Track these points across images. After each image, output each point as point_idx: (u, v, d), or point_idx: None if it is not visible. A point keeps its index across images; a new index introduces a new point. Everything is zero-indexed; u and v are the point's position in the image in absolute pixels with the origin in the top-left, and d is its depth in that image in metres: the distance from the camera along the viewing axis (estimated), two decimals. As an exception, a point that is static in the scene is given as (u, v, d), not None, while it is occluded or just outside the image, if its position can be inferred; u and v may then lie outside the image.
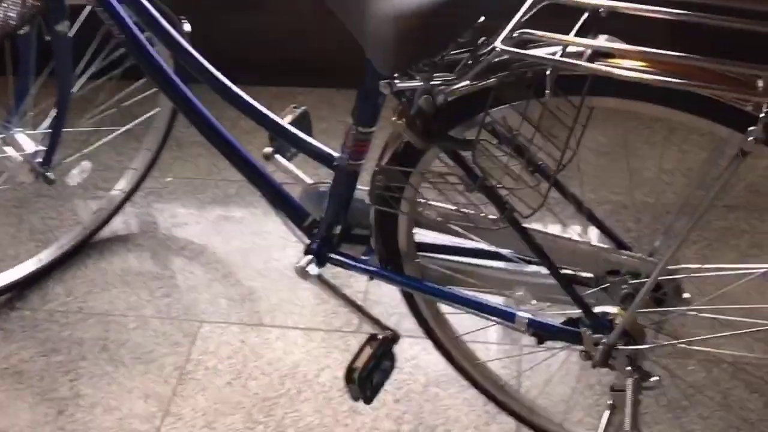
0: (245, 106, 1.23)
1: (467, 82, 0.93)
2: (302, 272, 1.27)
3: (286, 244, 1.78)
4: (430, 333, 1.34)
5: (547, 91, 0.82)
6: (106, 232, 1.86)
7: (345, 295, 1.29)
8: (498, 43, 0.82)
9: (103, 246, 1.84)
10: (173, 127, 1.80)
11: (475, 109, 0.96)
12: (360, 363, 1.20)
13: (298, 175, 1.36)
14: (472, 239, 1.16)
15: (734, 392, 1.46)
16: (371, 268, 1.25)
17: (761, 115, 0.81)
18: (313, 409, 1.49)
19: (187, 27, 1.43)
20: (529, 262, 1.18)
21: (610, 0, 0.81)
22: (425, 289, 1.21)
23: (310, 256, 1.28)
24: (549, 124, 0.91)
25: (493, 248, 1.19)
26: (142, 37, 1.23)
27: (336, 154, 1.18)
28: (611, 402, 1.15)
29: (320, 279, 1.28)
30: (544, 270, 1.15)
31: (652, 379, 1.07)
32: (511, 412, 1.40)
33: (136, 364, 1.57)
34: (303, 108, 1.36)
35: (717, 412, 1.43)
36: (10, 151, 1.46)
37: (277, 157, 1.36)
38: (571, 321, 1.11)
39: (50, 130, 1.53)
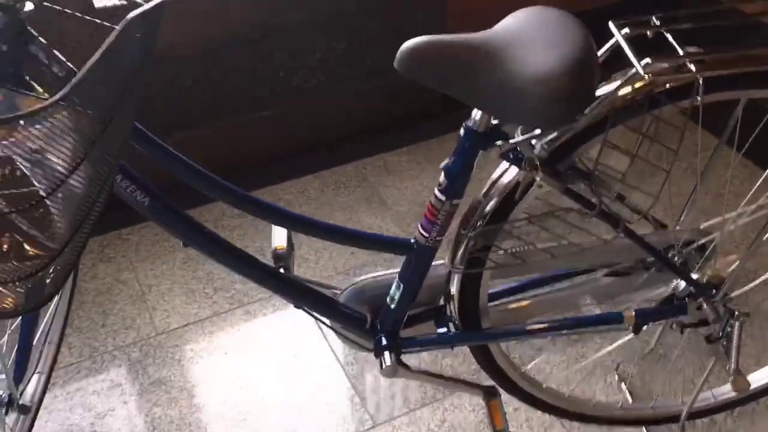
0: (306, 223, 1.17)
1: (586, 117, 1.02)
2: (391, 371, 1.23)
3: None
4: (509, 384, 1.37)
5: (699, 97, 0.95)
6: None
7: (437, 373, 1.27)
8: (640, 69, 0.93)
9: None
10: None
11: (587, 139, 1.05)
12: (499, 422, 1.20)
13: (322, 283, 1.31)
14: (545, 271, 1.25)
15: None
16: (452, 337, 1.26)
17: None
18: None
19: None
20: (585, 272, 1.30)
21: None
22: (520, 332, 1.26)
23: (387, 353, 1.24)
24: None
25: (557, 272, 1.28)
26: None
27: (411, 238, 1.17)
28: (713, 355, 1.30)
29: (410, 369, 1.26)
30: (597, 275, 1.28)
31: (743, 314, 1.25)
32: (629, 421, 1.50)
33: None
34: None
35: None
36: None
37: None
38: (668, 299, 1.25)
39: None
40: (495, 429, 1.20)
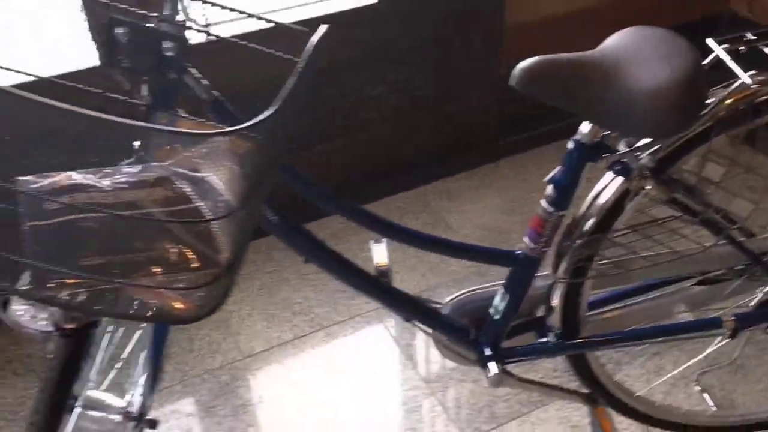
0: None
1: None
2: (497, 381, 1.28)
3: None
4: (602, 392, 1.41)
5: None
6: None
7: (541, 381, 1.31)
8: (747, 79, 1.00)
9: None
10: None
11: (690, 150, 1.11)
12: (608, 427, 1.24)
13: (422, 298, 1.36)
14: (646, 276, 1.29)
15: None
16: (554, 346, 1.31)
17: None
18: None
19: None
20: (675, 282, 1.35)
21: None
22: (621, 339, 1.30)
23: (493, 363, 1.29)
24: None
25: (649, 282, 1.33)
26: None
27: (516, 250, 1.23)
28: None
29: (516, 378, 1.30)
30: (687, 284, 1.33)
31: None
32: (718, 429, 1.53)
33: None
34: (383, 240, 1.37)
35: None
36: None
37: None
38: (764, 303, 1.30)
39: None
40: (604, 433, 1.24)
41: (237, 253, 0.89)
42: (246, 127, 0.77)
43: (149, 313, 0.87)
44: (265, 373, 1.78)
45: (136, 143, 0.93)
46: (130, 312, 0.87)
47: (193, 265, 0.90)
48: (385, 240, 1.33)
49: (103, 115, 0.73)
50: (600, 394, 1.41)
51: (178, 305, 0.88)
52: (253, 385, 1.75)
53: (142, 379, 1.24)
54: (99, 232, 0.88)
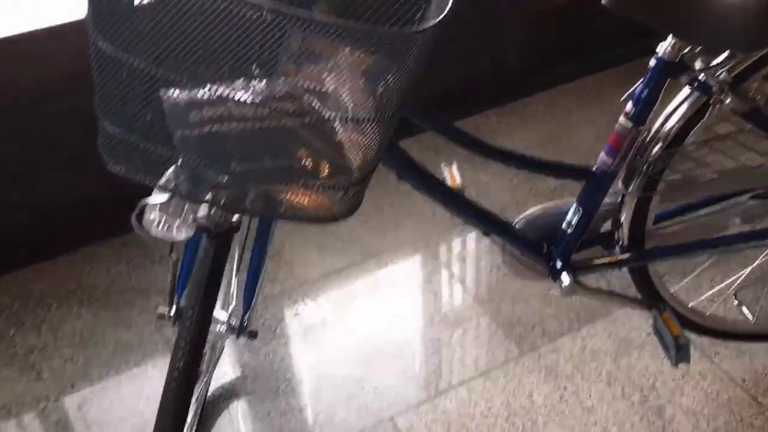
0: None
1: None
2: (570, 290, 1.37)
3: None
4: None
5: None
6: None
7: (610, 291, 1.40)
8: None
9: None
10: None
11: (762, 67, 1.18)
12: (676, 330, 1.34)
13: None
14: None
15: None
16: (623, 259, 1.40)
17: None
18: (559, 428, 1.55)
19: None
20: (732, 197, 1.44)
21: None
22: (685, 249, 1.39)
23: (565, 274, 1.37)
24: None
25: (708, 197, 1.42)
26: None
27: (592, 165, 1.30)
28: None
29: (587, 288, 1.39)
30: (743, 198, 1.42)
31: None
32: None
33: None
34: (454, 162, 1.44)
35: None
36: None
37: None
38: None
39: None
40: (673, 336, 1.34)
41: (369, 162, 0.96)
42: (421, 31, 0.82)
43: (294, 213, 0.94)
44: (324, 298, 1.85)
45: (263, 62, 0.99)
46: (279, 212, 0.93)
47: (327, 173, 0.96)
48: (455, 162, 1.41)
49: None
50: (654, 301, 1.51)
51: (319, 207, 0.95)
52: (314, 309, 1.83)
53: (241, 292, 1.31)
54: (240, 142, 0.93)
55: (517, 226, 1.40)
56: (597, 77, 2.54)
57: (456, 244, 2.01)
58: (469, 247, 2.00)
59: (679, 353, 1.34)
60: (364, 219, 2.05)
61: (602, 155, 1.28)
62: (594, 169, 1.30)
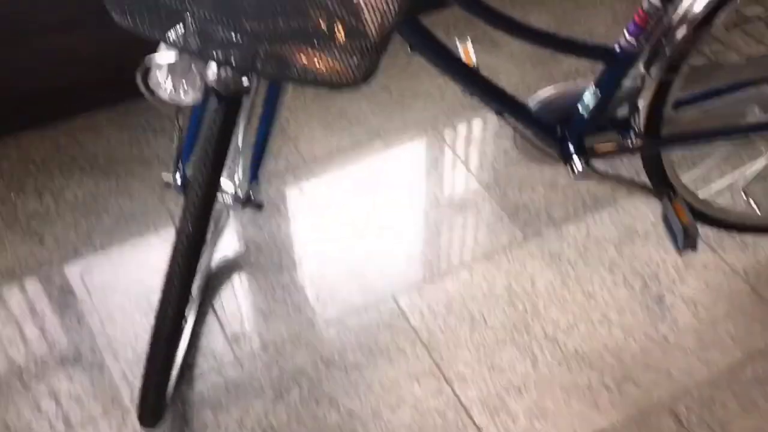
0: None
1: None
2: (583, 174, 1.34)
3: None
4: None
5: None
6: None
7: (619, 175, 1.38)
8: None
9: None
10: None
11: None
12: (686, 218, 1.33)
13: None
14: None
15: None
16: (639, 145, 1.37)
17: None
18: (559, 312, 1.57)
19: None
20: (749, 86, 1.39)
21: None
22: (702, 136, 1.36)
23: (577, 157, 1.35)
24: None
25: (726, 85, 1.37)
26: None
27: (614, 44, 1.25)
28: None
29: (599, 172, 1.37)
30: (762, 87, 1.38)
31: None
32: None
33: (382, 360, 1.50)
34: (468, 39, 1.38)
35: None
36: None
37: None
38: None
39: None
40: (683, 224, 1.33)
41: (387, 27, 0.91)
42: None
43: (306, 77, 0.90)
44: (329, 176, 1.83)
45: None
46: (291, 75, 0.89)
47: (343, 36, 0.92)
48: (469, 39, 1.35)
49: None
50: (667, 191, 1.49)
51: (332, 71, 0.91)
52: (318, 187, 1.81)
53: (247, 162, 1.29)
54: (253, -2, 0.88)
55: (531, 107, 1.37)
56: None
57: (463, 128, 1.97)
58: (476, 131, 1.97)
59: (687, 240, 1.33)
60: (370, 98, 2.00)
61: (625, 35, 1.23)
62: (616, 49, 1.25)
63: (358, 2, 0.90)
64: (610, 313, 1.57)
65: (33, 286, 1.60)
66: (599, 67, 1.32)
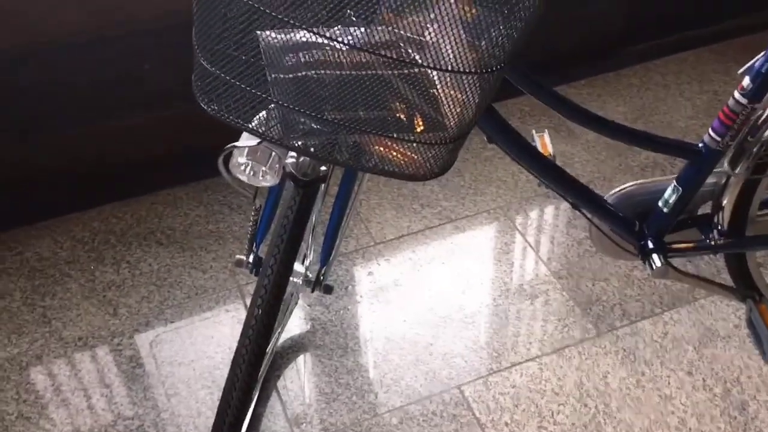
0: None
1: None
2: (662, 273, 1.30)
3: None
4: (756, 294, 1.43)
5: None
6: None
7: (703, 276, 1.33)
8: None
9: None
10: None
11: None
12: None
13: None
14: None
15: None
16: (722, 244, 1.32)
17: None
18: (634, 414, 1.50)
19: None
20: None
21: None
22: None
23: (656, 255, 1.31)
24: None
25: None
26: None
27: (699, 143, 1.23)
28: None
29: (680, 271, 1.32)
30: None
31: None
32: None
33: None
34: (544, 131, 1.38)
35: None
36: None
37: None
38: None
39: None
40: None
41: (467, 121, 0.91)
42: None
43: (383, 168, 0.90)
44: (399, 259, 1.83)
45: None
46: (369, 165, 0.90)
47: (422, 128, 0.92)
48: (546, 131, 1.35)
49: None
50: (750, 292, 1.43)
51: (409, 163, 0.91)
52: (387, 270, 1.80)
53: (319, 245, 1.29)
54: (334, 89, 0.90)
55: (609, 201, 1.34)
56: (695, 52, 2.42)
57: (536, 216, 1.95)
58: (548, 219, 1.94)
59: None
60: (444, 183, 2.00)
61: (710, 132, 1.20)
62: (700, 146, 1.22)
63: (438, 95, 0.91)
64: (688, 419, 1.48)
65: (104, 355, 1.63)
66: (680, 160, 1.29)
